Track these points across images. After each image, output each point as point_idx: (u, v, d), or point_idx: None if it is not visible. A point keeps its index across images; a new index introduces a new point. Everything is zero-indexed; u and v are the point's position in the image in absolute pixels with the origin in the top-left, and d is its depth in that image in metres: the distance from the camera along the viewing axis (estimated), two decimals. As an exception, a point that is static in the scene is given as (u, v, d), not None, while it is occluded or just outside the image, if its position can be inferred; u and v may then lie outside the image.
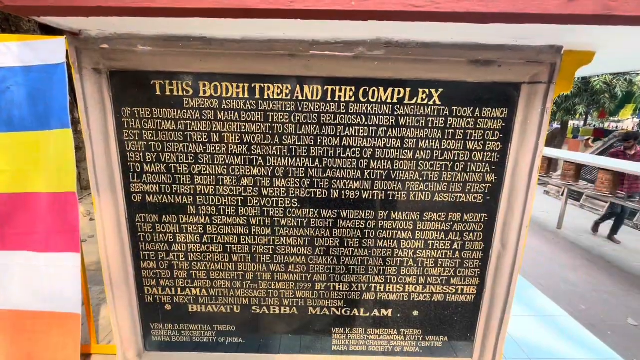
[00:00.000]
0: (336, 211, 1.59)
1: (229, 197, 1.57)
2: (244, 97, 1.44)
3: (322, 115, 1.46)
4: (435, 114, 1.46)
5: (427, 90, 1.44)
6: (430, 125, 1.48)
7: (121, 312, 1.67)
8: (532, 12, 0.96)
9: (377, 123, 1.48)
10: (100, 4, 0.98)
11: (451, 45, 1.33)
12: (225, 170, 1.53)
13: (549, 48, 1.33)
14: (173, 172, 1.54)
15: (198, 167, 1.53)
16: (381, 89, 1.43)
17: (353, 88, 1.43)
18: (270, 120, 1.47)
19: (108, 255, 1.60)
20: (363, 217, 1.60)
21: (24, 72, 1.46)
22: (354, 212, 1.59)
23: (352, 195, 1.57)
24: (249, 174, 1.54)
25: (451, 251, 1.65)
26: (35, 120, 1.49)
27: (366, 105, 1.45)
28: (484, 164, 1.53)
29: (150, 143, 1.50)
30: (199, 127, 1.48)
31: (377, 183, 1.55)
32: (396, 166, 1.53)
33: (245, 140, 1.50)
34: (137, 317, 1.72)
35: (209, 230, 1.61)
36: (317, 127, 1.48)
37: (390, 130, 1.48)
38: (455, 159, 1.52)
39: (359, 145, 1.50)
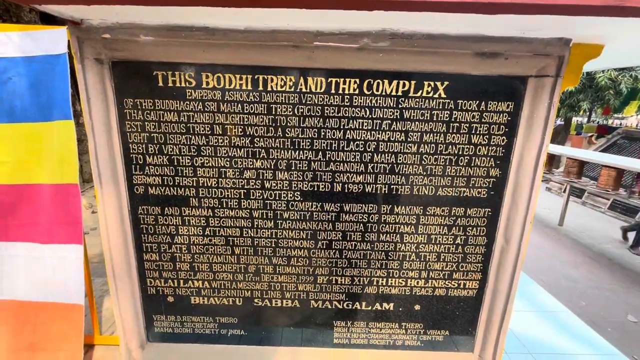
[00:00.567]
0: (339, 205, 1.58)
1: (232, 190, 1.56)
2: (247, 89, 1.43)
3: (325, 107, 1.45)
4: (440, 107, 1.45)
5: (432, 83, 1.42)
6: (435, 119, 1.46)
7: (124, 303, 1.68)
8: (541, 3, 0.94)
9: (381, 116, 1.46)
10: (102, -8, 0.97)
11: (457, 37, 1.31)
12: (227, 162, 1.53)
13: (557, 40, 1.31)
14: (175, 164, 1.53)
15: (200, 159, 1.52)
16: (386, 81, 1.42)
17: (357, 80, 1.42)
18: (273, 113, 1.46)
19: (111, 247, 1.60)
20: (366, 210, 1.59)
21: (26, 62, 1.44)
22: (356, 206, 1.58)
23: (355, 189, 1.56)
24: (251, 166, 1.53)
25: (454, 246, 1.64)
26: (37, 111, 1.49)
27: (370, 97, 1.44)
28: (488, 158, 1.52)
29: (152, 134, 1.49)
30: (201, 119, 1.47)
31: (380, 177, 1.54)
32: (400, 160, 1.52)
33: (248, 133, 1.49)
34: (139, 309, 1.73)
35: (212, 223, 1.61)
36: (321, 119, 1.47)
37: (394, 123, 1.47)
38: (460, 153, 1.51)
39: (362, 138, 1.49)
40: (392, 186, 1.55)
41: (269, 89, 1.43)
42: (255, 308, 1.75)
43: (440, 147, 1.50)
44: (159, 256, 1.66)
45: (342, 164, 1.52)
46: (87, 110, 1.43)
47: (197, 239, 1.64)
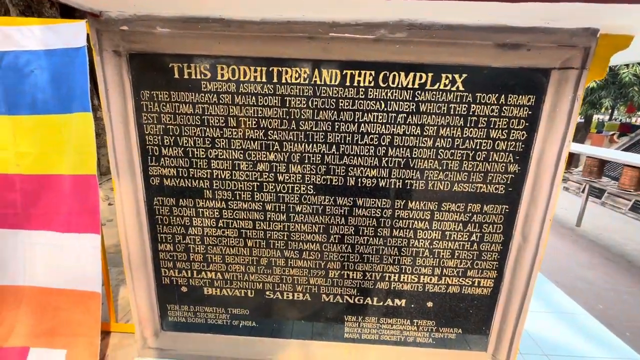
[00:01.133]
0: (352, 199, 1.57)
1: (245, 182, 1.57)
2: (261, 81, 1.43)
3: (340, 100, 1.43)
4: (458, 100, 1.41)
5: (450, 76, 1.38)
6: (452, 112, 1.43)
7: (139, 292, 1.72)
8: (570, -11, 0.90)
9: (396, 109, 1.44)
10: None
11: (477, 28, 1.27)
12: (241, 155, 1.53)
13: (583, 31, 1.26)
14: (190, 156, 1.54)
15: (215, 152, 1.53)
16: (402, 73, 1.39)
17: (373, 72, 1.39)
18: (287, 105, 1.45)
19: (127, 237, 1.63)
20: (379, 205, 1.57)
21: (47, 55, 1.48)
22: (370, 201, 1.57)
23: (369, 183, 1.54)
24: (265, 159, 1.53)
25: (469, 243, 1.61)
26: (57, 103, 1.52)
27: (386, 90, 1.41)
28: (507, 153, 1.47)
29: (168, 126, 1.51)
30: (216, 111, 1.47)
31: (394, 171, 1.52)
32: (415, 154, 1.49)
33: (262, 125, 1.49)
34: (154, 298, 1.76)
35: (225, 215, 1.62)
36: (335, 112, 1.45)
37: (410, 117, 1.44)
38: (477, 147, 1.47)
39: (377, 132, 1.47)
40: (406, 181, 1.53)
41: (284, 81, 1.42)
42: (267, 300, 1.76)
43: (457, 141, 1.47)
44: (173, 247, 1.69)
45: (356, 157, 1.51)
46: (106, 102, 1.45)
47: (210, 230, 1.65)
